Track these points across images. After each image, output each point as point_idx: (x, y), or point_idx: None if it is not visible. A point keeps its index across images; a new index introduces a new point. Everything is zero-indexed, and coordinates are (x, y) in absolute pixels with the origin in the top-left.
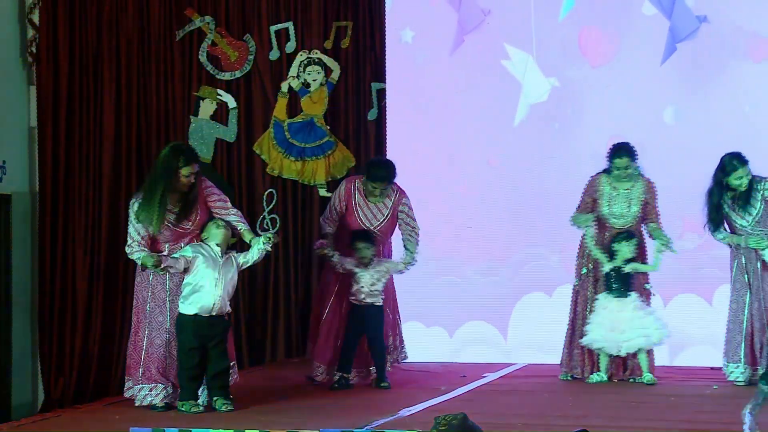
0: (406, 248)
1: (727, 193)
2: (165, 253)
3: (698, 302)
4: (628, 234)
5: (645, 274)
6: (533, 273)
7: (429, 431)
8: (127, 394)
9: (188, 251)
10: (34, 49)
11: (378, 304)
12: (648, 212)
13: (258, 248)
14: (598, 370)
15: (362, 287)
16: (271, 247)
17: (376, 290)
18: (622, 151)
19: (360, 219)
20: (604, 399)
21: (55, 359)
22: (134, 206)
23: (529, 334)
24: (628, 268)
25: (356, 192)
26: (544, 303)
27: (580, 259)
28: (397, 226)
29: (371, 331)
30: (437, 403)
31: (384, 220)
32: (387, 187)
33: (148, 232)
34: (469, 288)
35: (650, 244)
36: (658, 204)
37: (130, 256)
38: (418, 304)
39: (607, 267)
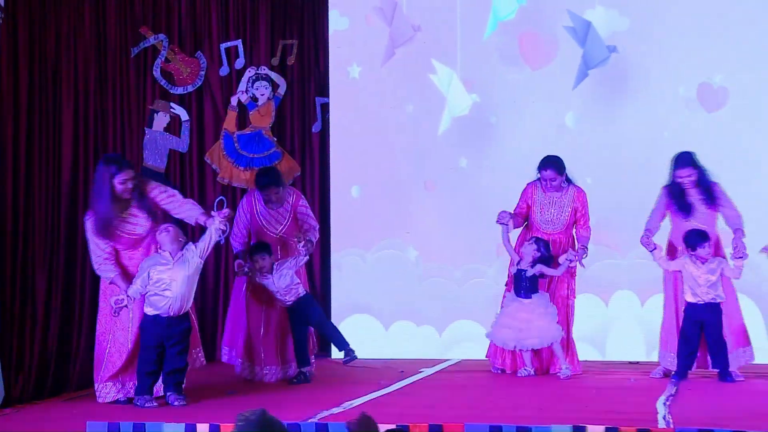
0: (309, 240)
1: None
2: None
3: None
4: (536, 239)
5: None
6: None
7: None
8: (98, 392)
9: (143, 275)
10: None
11: (301, 294)
12: (577, 219)
13: (214, 228)
14: (526, 366)
15: (276, 292)
16: (225, 225)
17: (290, 288)
18: (548, 163)
19: (265, 226)
20: (530, 391)
21: (15, 358)
22: (89, 224)
23: None
24: (531, 272)
25: (256, 203)
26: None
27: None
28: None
29: (312, 319)
30: (378, 396)
31: (286, 223)
32: (278, 191)
33: (109, 244)
34: (457, 289)
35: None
36: (587, 212)
37: (100, 274)
38: (409, 304)
39: (513, 269)
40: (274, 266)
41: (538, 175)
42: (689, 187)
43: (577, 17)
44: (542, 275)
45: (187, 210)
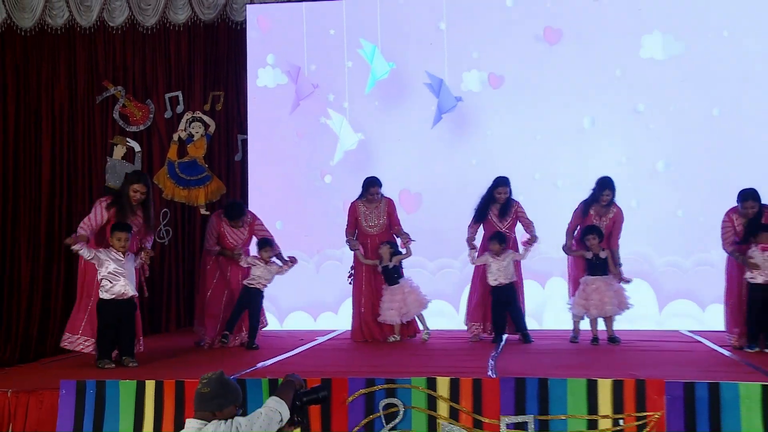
0: (281, 258)
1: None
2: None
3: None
4: (385, 242)
5: None
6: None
7: (196, 389)
8: (66, 345)
9: (101, 254)
10: None
11: (262, 289)
12: (392, 222)
13: (142, 255)
14: (394, 333)
15: (256, 277)
16: (143, 260)
17: (265, 281)
18: (374, 181)
19: (229, 240)
20: (396, 352)
21: (3, 332)
22: (98, 202)
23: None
24: (392, 264)
25: (223, 222)
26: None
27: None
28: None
29: (253, 308)
30: (283, 358)
31: (245, 237)
32: (242, 220)
33: (95, 223)
34: (430, 277)
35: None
36: (397, 214)
37: (78, 230)
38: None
39: (379, 268)
40: (272, 260)
41: (365, 191)
42: None
43: (433, 76)
44: (398, 262)
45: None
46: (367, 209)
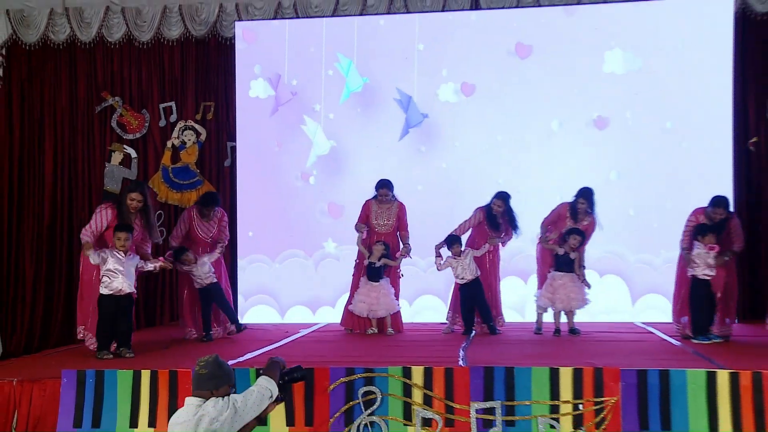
0: (218, 242)
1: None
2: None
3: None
4: (381, 241)
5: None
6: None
7: (193, 371)
8: (81, 336)
9: (105, 254)
10: None
11: (213, 281)
12: (401, 226)
13: (154, 265)
14: (372, 326)
15: (197, 276)
16: (160, 267)
17: (209, 273)
18: (383, 183)
19: (199, 234)
20: (374, 344)
21: (10, 325)
22: (99, 210)
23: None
24: (378, 263)
25: (195, 216)
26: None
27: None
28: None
29: (216, 299)
30: (269, 349)
31: (212, 232)
32: (215, 210)
33: (97, 226)
34: (422, 274)
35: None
36: (406, 219)
37: (83, 236)
38: (419, 285)
39: (366, 261)
40: (198, 258)
41: (377, 192)
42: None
43: (403, 93)
44: (386, 265)
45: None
46: (379, 209)
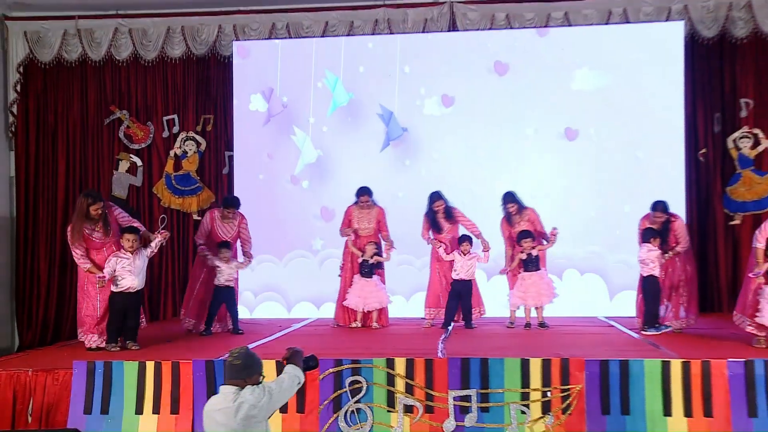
0: (245, 252)
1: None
2: (92, 268)
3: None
4: (372, 242)
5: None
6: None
7: (226, 361)
8: (81, 338)
9: (111, 264)
10: (13, 129)
11: (231, 285)
12: (380, 228)
13: (156, 241)
14: (356, 320)
15: (222, 275)
16: (164, 238)
17: (231, 278)
18: (364, 190)
19: (220, 234)
20: (360, 336)
21: (25, 318)
22: (68, 236)
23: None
24: (371, 261)
25: (216, 218)
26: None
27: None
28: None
29: (228, 302)
30: (266, 341)
31: (233, 233)
32: (236, 211)
33: (81, 247)
34: (417, 274)
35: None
36: (386, 221)
37: (81, 266)
38: (391, 284)
39: (360, 259)
40: (231, 260)
41: (357, 198)
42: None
43: (385, 108)
44: (377, 261)
45: (136, 225)
46: (360, 213)
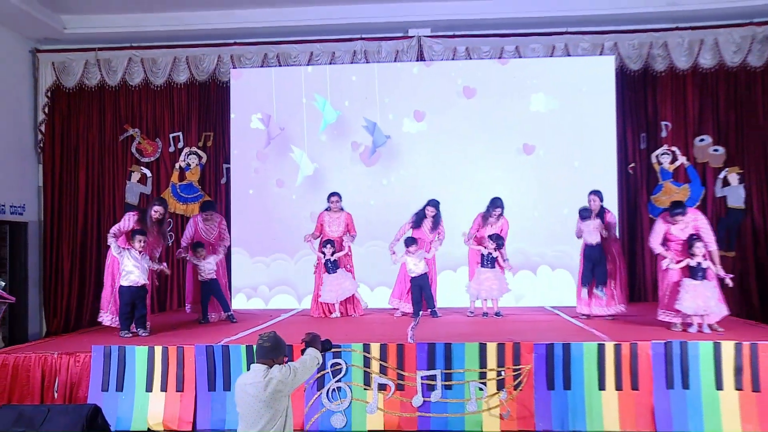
0: (224, 246)
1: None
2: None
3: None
4: (327, 241)
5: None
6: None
7: (257, 344)
8: (101, 320)
9: (122, 254)
10: (41, 145)
11: (213, 278)
12: (349, 230)
13: (158, 266)
14: (335, 311)
15: (203, 271)
16: (164, 268)
17: (212, 271)
18: (334, 193)
19: (203, 235)
20: (340, 325)
21: (51, 309)
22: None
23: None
24: (332, 258)
25: (199, 221)
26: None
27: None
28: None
29: (215, 293)
30: (257, 329)
31: (214, 234)
32: (214, 213)
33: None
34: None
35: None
36: (353, 224)
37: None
38: (379, 276)
39: (323, 259)
40: (207, 256)
41: (329, 202)
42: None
43: (369, 120)
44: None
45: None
46: (330, 218)
